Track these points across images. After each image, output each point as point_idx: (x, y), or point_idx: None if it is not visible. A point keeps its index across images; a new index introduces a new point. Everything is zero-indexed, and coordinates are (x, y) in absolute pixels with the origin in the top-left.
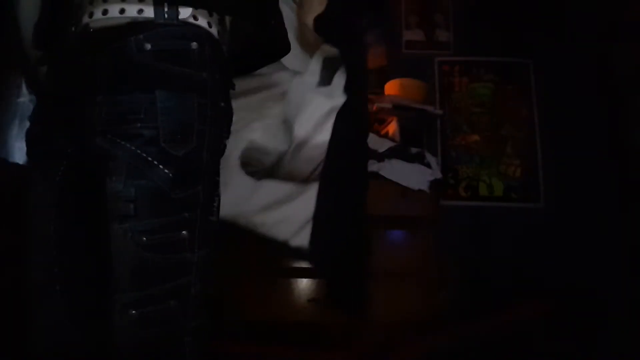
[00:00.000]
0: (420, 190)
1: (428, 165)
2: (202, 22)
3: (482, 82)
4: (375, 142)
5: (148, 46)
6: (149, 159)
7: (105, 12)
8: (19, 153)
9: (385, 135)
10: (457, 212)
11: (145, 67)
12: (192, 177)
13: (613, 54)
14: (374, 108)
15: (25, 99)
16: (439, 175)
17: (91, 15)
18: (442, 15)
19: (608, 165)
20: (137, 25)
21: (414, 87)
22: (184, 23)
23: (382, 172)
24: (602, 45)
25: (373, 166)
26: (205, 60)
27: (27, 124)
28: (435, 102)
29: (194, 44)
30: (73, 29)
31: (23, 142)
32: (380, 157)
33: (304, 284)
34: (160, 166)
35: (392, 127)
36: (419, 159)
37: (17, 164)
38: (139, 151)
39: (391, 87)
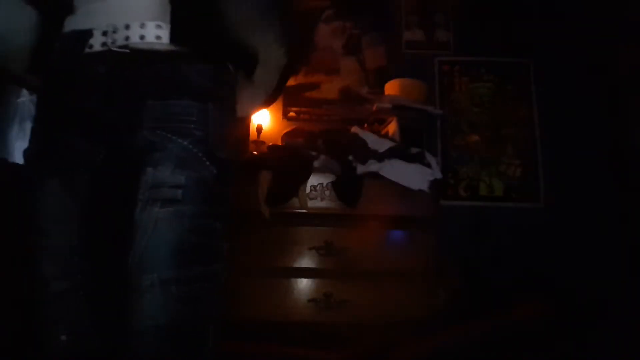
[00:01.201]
0: (420, 190)
1: (428, 165)
2: None
3: (482, 82)
4: (375, 142)
5: (196, 68)
6: (199, 154)
7: (142, 37)
8: (19, 153)
9: (385, 135)
10: (457, 212)
11: (193, 82)
12: (228, 177)
13: (613, 54)
14: (374, 108)
15: (25, 99)
16: (439, 175)
17: (127, 38)
18: (442, 15)
19: (608, 165)
20: (175, 52)
21: (414, 87)
22: None
23: (382, 172)
24: (602, 45)
25: (373, 166)
26: (232, 86)
27: (28, 124)
28: (435, 102)
29: (226, 72)
30: (87, 49)
31: (23, 142)
32: (380, 157)
33: (304, 284)
34: (207, 162)
35: (392, 127)
36: (419, 159)
37: (17, 164)
38: (190, 146)
39: (391, 87)
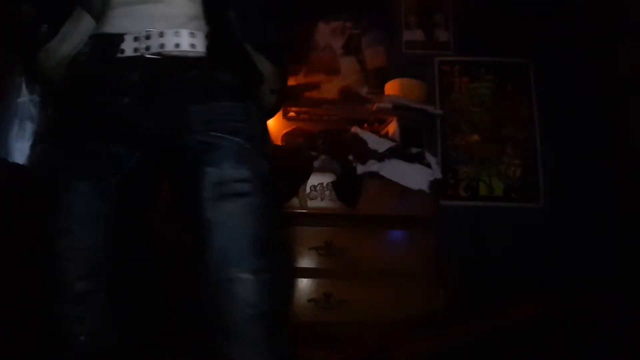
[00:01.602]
0: (420, 190)
1: (428, 165)
2: None
3: (482, 82)
4: (375, 142)
5: (229, 72)
6: (253, 150)
7: (177, 45)
8: (19, 153)
9: (385, 135)
10: (457, 212)
11: (232, 84)
12: (273, 170)
13: (613, 54)
14: (374, 108)
15: (25, 99)
16: (439, 175)
17: (162, 46)
18: (442, 15)
19: (608, 165)
20: (208, 60)
21: (414, 87)
22: None
23: (382, 172)
24: (602, 45)
25: (373, 166)
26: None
27: (28, 124)
28: (435, 102)
29: (253, 75)
30: (119, 54)
31: (23, 142)
32: (380, 157)
33: (304, 284)
34: (260, 157)
35: (392, 127)
36: (419, 159)
37: (17, 164)
38: (243, 142)
39: (391, 87)
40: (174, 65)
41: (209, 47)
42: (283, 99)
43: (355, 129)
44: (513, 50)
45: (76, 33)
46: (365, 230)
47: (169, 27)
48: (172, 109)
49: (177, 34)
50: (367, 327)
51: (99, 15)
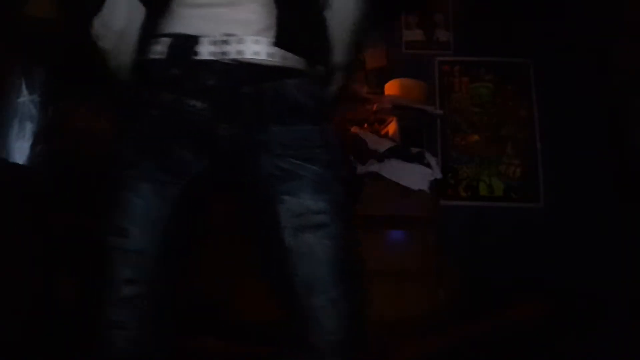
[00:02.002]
0: (420, 190)
1: (428, 165)
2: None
3: (482, 82)
4: (375, 142)
5: (304, 88)
6: (330, 178)
7: (256, 53)
8: (19, 153)
9: (385, 135)
10: (457, 212)
11: (308, 106)
12: (349, 192)
13: (613, 54)
14: (374, 108)
15: (25, 99)
16: (439, 175)
17: (240, 53)
18: (442, 15)
19: (608, 165)
20: (286, 70)
21: (414, 87)
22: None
23: (382, 172)
24: (602, 45)
25: (373, 166)
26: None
27: (28, 124)
28: (435, 102)
29: (327, 89)
30: (194, 56)
31: (23, 142)
32: (380, 157)
33: None
34: (337, 184)
35: (392, 127)
36: (419, 159)
37: (17, 164)
38: (321, 171)
39: (391, 87)
40: (251, 73)
41: (290, 58)
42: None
43: (355, 129)
44: (513, 50)
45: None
46: (365, 231)
47: (247, 33)
48: (249, 123)
49: (257, 41)
50: (367, 327)
51: (167, 14)
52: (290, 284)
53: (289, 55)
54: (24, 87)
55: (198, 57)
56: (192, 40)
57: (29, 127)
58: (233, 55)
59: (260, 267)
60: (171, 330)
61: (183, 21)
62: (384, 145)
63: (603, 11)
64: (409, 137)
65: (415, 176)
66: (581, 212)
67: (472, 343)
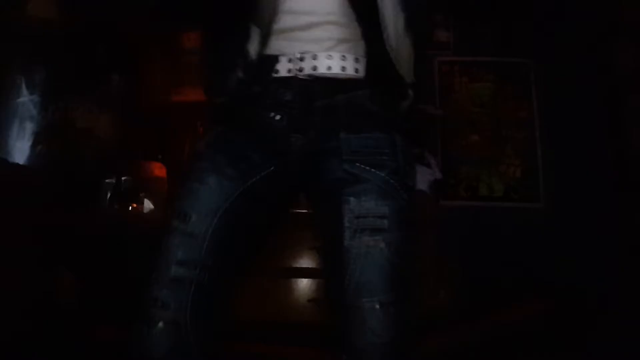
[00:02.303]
0: (420, 190)
1: (428, 165)
2: None
3: (482, 82)
4: None
5: (374, 99)
6: (395, 185)
7: (329, 67)
8: (19, 153)
9: None
10: (457, 212)
11: (379, 114)
12: (414, 202)
13: (613, 54)
14: None
15: (25, 99)
16: (439, 175)
17: (314, 68)
18: (442, 15)
19: (608, 165)
20: (358, 81)
21: None
22: None
23: None
24: (602, 45)
25: None
26: (403, 114)
27: (28, 124)
28: (435, 102)
29: (403, 102)
30: (274, 74)
31: (23, 142)
32: None
33: (304, 284)
34: (401, 191)
35: None
36: (419, 159)
37: (17, 164)
38: (387, 178)
39: None
40: (325, 87)
41: (365, 72)
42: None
43: None
44: (513, 50)
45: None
46: None
47: (321, 50)
48: (322, 131)
49: (329, 56)
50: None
51: (265, 40)
52: (342, 284)
53: (360, 67)
54: (24, 87)
55: (278, 75)
56: (273, 60)
57: (29, 127)
58: (308, 71)
59: (322, 267)
60: (214, 322)
61: (268, 44)
62: None
63: (603, 11)
64: (409, 137)
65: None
66: (581, 212)
67: (472, 343)
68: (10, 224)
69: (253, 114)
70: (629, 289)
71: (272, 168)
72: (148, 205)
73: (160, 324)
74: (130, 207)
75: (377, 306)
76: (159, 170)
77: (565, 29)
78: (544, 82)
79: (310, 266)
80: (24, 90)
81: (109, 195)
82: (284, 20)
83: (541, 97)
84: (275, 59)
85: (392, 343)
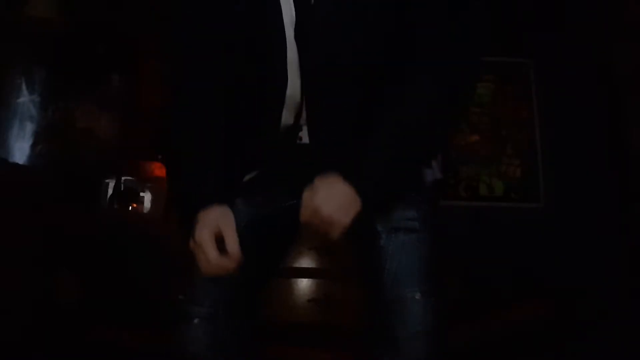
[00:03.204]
0: None
1: (428, 165)
2: None
3: (482, 82)
4: None
5: None
6: (419, 198)
7: None
8: (19, 153)
9: None
10: (457, 212)
11: None
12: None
13: (613, 54)
14: None
15: (25, 99)
16: (439, 175)
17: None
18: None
19: (608, 165)
20: None
21: None
22: None
23: None
24: (602, 45)
25: None
26: None
27: (28, 124)
28: None
29: None
30: (298, 141)
31: (23, 142)
32: None
33: (304, 284)
34: (424, 203)
35: None
36: None
37: (17, 164)
38: (413, 194)
39: None
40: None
41: None
42: None
43: None
44: (513, 50)
45: None
46: None
47: None
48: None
49: None
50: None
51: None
52: (380, 278)
53: None
54: (24, 87)
55: (301, 142)
56: (297, 129)
57: (29, 127)
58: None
59: (356, 269)
60: (248, 319)
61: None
62: None
63: (603, 11)
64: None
65: None
66: (581, 212)
67: (472, 343)
68: (10, 224)
69: (285, 171)
70: (629, 289)
71: (293, 201)
72: (148, 205)
73: (196, 321)
74: (130, 207)
75: (419, 296)
76: (159, 170)
77: (565, 29)
78: (544, 82)
79: (310, 266)
80: (24, 90)
81: (109, 195)
82: None
83: (541, 97)
84: (299, 127)
85: (434, 332)
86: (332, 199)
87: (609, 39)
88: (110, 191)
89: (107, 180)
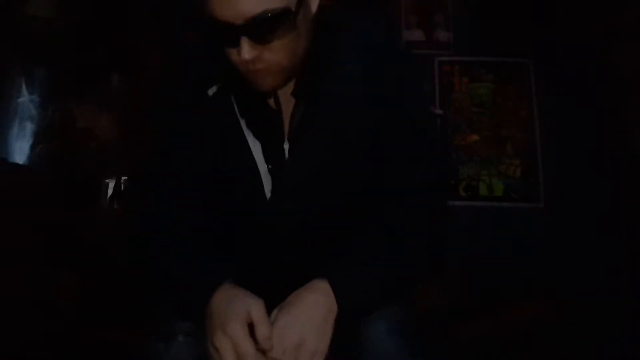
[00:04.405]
0: None
1: None
2: None
3: (482, 82)
4: None
5: None
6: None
7: None
8: (19, 153)
9: None
10: (457, 212)
11: None
12: None
13: (613, 54)
14: None
15: (25, 99)
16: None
17: None
18: (442, 15)
19: (608, 165)
20: None
21: None
22: None
23: None
24: (602, 45)
25: None
26: None
27: (28, 124)
28: (435, 102)
29: None
30: None
31: (23, 142)
32: None
33: None
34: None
35: None
36: None
37: (17, 164)
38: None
39: None
40: None
41: None
42: None
43: None
44: (513, 50)
45: None
46: None
47: None
48: None
49: None
50: None
51: None
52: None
53: None
54: (24, 87)
55: None
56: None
57: (29, 127)
58: None
59: None
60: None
61: None
62: None
63: (603, 11)
64: None
65: None
66: (581, 212)
67: (472, 343)
68: (10, 224)
69: None
70: (630, 290)
71: None
72: None
73: (180, 338)
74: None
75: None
76: None
77: (565, 29)
78: (544, 82)
79: None
80: (24, 90)
81: (109, 195)
82: None
83: (541, 97)
84: None
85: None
86: (304, 322)
87: (609, 39)
88: (110, 191)
89: (107, 180)
